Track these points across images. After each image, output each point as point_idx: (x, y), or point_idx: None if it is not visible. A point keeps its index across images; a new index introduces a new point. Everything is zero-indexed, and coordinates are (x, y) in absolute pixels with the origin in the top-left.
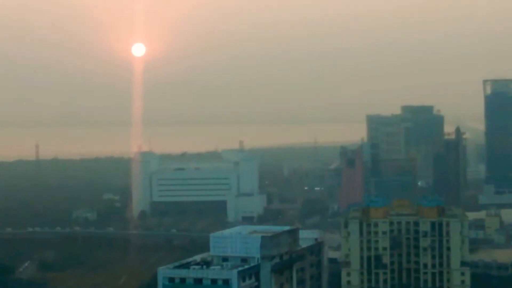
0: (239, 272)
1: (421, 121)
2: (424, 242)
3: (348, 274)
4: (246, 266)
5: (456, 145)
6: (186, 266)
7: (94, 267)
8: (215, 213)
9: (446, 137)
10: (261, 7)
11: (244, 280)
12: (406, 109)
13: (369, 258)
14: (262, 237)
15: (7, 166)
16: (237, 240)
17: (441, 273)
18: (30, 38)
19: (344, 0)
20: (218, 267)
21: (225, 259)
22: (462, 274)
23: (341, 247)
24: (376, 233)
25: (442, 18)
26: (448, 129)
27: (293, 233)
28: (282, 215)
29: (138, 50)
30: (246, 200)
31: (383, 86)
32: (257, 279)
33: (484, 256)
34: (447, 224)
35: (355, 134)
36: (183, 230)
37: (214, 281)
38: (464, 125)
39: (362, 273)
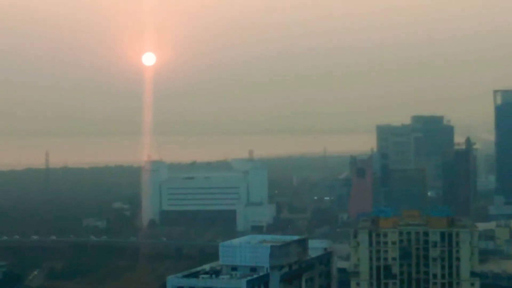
0: (248, 281)
1: (431, 131)
2: (433, 253)
3: (357, 284)
4: (255, 276)
5: (466, 156)
6: (195, 275)
7: (103, 275)
8: (224, 222)
9: (456, 147)
10: (271, 14)
11: None
12: (416, 119)
13: (378, 268)
14: (272, 246)
15: (17, 175)
16: (246, 250)
17: (450, 283)
18: (40, 48)
19: (353, 14)
20: (227, 276)
21: (234, 268)
22: (472, 284)
23: (351, 257)
24: (385, 243)
25: (453, 28)
26: (458, 139)
27: (302, 243)
28: (292, 224)
29: (148, 59)
30: (256, 210)
31: (393, 96)
32: None
33: (493, 266)
34: (457, 235)
35: (365, 144)
36: (193, 239)
37: None
38: (475, 136)
39: (371, 283)
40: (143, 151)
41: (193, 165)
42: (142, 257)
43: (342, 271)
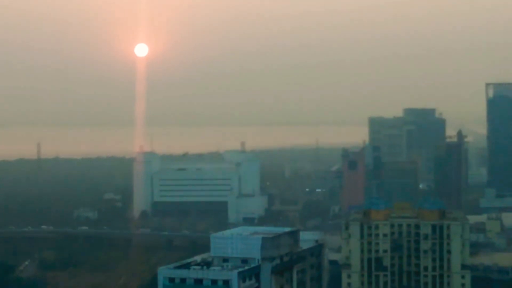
0: (239, 273)
1: (423, 124)
2: (424, 245)
3: (349, 276)
4: (246, 267)
5: (458, 148)
6: (187, 266)
7: (94, 266)
8: (216, 213)
9: (448, 140)
10: (265, 7)
11: (244, 281)
12: (409, 111)
13: (369, 260)
14: (263, 238)
15: (9, 165)
16: (237, 241)
17: (441, 276)
18: (33, 38)
19: (346, 7)
20: (219, 267)
21: (225, 259)
22: (463, 277)
23: (342, 249)
24: (377, 235)
25: (445, 21)
26: (450, 132)
27: (294, 235)
28: (283, 216)
29: (141, 50)
30: (247, 201)
31: (385, 89)
32: (258, 280)
33: (484, 259)
34: (448, 227)
35: (357, 136)
36: (184, 231)
37: (214, 281)
38: (466, 128)
39: (362, 276)
40: (135, 142)
41: (185, 157)
42: (133, 248)
43: (333, 263)
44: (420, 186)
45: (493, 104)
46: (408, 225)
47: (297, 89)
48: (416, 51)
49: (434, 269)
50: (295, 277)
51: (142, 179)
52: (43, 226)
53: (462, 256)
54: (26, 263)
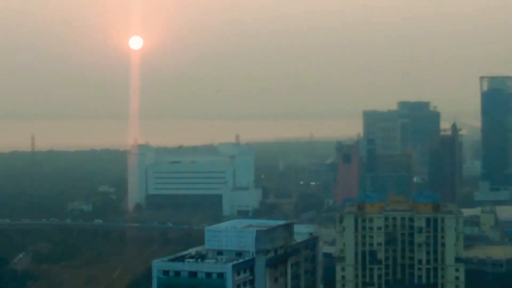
0: (233, 265)
1: (418, 117)
2: (419, 238)
3: (343, 269)
4: (240, 260)
5: (452, 142)
6: (181, 259)
7: (88, 259)
8: (210, 206)
9: (442, 133)
10: (259, 2)
11: (238, 274)
12: (403, 105)
13: (364, 253)
14: (257, 231)
15: (3, 157)
16: (232, 234)
17: (435, 269)
18: (27, 31)
19: (342, 1)
20: (213, 260)
21: (220, 252)
22: (457, 270)
23: (336, 242)
24: (371, 228)
25: (439, 14)
26: (445, 125)
27: (288, 228)
28: (278, 209)
29: (136, 43)
30: (242, 194)
31: (380, 82)
32: (252, 273)
33: (478, 252)
34: (442, 220)
35: (351, 129)
36: (178, 223)
37: (208, 274)
38: (461, 122)
39: (356, 268)
40: (129, 135)
41: (179, 149)
42: (128, 241)
43: (327, 256)
44: (414, 179)
45: (487, 97)
46: (402, 218)
47: (291, 82)
48: (410, 44)
49: (428, 262)
50: (289, 270)
51: (137, 172)
52: (46, 220)
53: (456, 249)
54: (21, 255)
